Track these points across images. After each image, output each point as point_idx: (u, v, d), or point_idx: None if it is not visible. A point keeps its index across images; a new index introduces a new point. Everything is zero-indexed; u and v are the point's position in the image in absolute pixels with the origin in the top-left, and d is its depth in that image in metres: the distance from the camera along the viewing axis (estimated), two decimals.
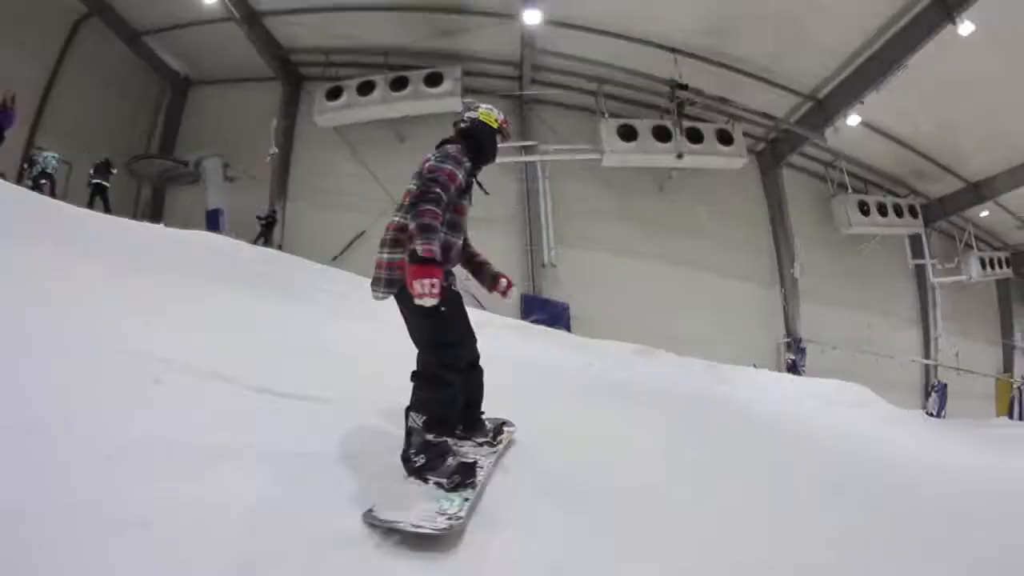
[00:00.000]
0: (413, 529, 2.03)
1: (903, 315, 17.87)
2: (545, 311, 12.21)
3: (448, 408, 2.62)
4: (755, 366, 11.98)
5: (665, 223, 14.28)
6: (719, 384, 9.72)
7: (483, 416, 3.11)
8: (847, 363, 15.34)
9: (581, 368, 8.28)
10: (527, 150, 13.54)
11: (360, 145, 15.07)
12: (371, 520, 2.05)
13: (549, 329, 10.12)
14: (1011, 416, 21.76)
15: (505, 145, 3.15)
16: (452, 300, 2.62)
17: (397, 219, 2.63)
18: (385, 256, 2.62)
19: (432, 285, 2.31)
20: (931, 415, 16.81)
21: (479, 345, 2.93)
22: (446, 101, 13.27)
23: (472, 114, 2.94)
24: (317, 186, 15.39)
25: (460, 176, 2.63)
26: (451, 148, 2.74)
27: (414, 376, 2.60)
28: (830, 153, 15.49)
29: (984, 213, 18.05)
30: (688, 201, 14.38)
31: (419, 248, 2.33)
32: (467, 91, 13.39)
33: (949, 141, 15.06)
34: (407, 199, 2.58)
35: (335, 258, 13.55)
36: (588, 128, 13.52)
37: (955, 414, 18.08)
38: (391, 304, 2.66)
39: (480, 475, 2.55)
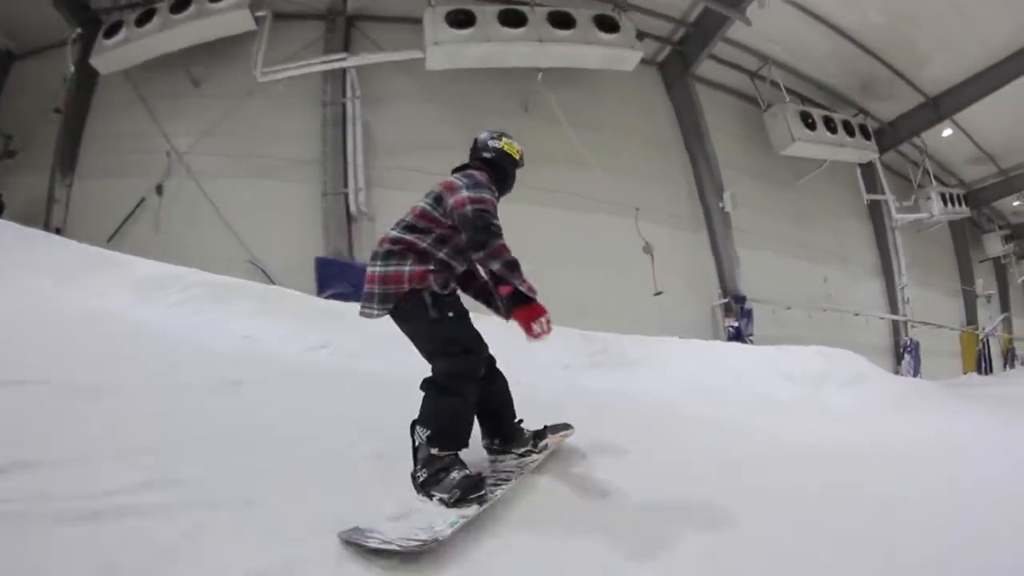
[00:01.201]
0: (379, 546, 1.98)
1: (862, 263, 14.84)
2: (349, 280, 8.12)
3: (455, 421, 2.48)
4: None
5: (537, 153, 10.29)
6: (619, 368, 6.20)
7: (521, 423, 3.02)
8: (803, 326, 12.17)
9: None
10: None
11: (152, 97, 11.11)
12: (346, 537, 2.02)
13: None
14: (979, 371, 19.51)
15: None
16: (459, 306, 2.64)
17: (395, 233, 2.64)
18: (378, 269, 2.59)
19: (548, 322, 2.44)
20: None
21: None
22: (232, 17, 9.40)
23: (496, 144, 2.96)
24: (109, 152, 11.32)
25: (498, 204, 2.66)
26: (479, 176, 2.72)
27: (425, 384, 2.52)
28: (757, 57, 12.08)
29: (947, 132, 15.10)
30: (568, 123, 10.40)
31: (523, 288, 2.39)
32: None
33: (905, 38, 12.00)
34: (409, 214, 2.68)
35: (110, 238, 9.77)
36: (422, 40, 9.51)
37: (925, 375, 15.53)
38: None
39: (489, 489, 2.42)
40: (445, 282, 2.60)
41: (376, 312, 2.54)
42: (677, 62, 11.60)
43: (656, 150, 11.46)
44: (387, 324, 2.65)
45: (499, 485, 2.53)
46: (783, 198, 13.29)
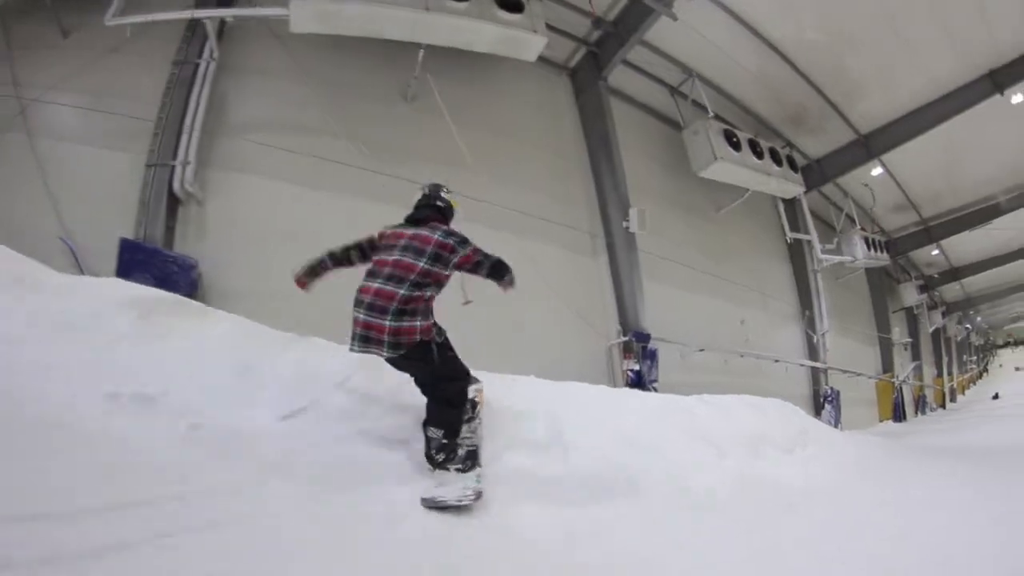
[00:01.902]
0: (456, 503, 3.02)
1: (781, 306, 13.82)
2: (152, 271, 6.06)
3: (459, 421, 3.38)
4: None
5: (414, 149, 8.45)
6: None
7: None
8: (717, 372, 10.78)
9: None
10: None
11: (18, 46, 8.78)
12: (429, 504, 3.00)
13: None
14: (896, 418, 19.01)
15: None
16: (450, 344, 3.35)
17: (403, 292, 3.08)
18: (390, 323, 3.03)
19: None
20: None
21: None
22: None
23: (447, 197, 3.66)
24: None
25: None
26: (449, 227, 3.50)
27: (439, 401, 3.31)
28: (679, 69, 10.77)
29: (876, 171, 14.34)
30: (452, 116, 8.58)
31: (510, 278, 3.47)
32: None
33: (840, 63, 11.23)
34: (409, 272, 3.14)
35: None
36: None
37: (844, 424, 14.59)
38: None
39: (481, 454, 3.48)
40: (440, 328, 3.31)
41: (385, 355, 3.10)
42: (591, 66, 10.07)
43: (555, 160, 9.77)
44: None
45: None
46: (700, 228, 12.00)
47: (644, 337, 9.34)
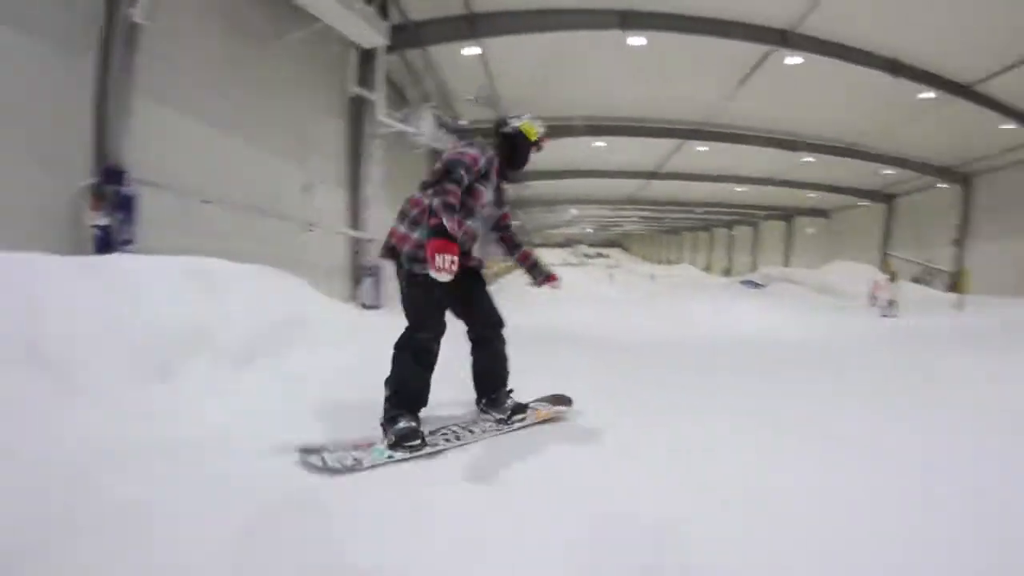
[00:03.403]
0: (317, 464, 2.73)
1: (327, 166, 12.69)
2: None
3: (405, 385, 3.06)
4: None
5: None
6: None
7: (510, 393, 3.57)
8: (232, 236, 9.14)
9: None
10: None
11: None
12: (302, 457, 2.80)
13: None
14: None
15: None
16: (434, 284, 2.81)
17: (427, 201, 2.97)
18: (403, 229, 3.15)
19: (452, 262, 2.70)
20: (368, 307, 12.85)
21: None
22: None
23: (516, 122, 3.46)
24: None
25: (482, 161, 3.13)
26: (481, 140, 3.33)
27: (394, 347, 3.13)
28: None
29: (474, 51, 14.45)
30: None
31: (444, 224, 2.75)
32: None
33: None
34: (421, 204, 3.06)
35: None
36: None
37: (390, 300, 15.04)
38: None
39: (425, 442, 2.99)
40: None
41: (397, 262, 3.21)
42: None
43: None
44: None
45: (449, 441, 3.15)
46: (249, 54, 9.78)
47: (116, 177, 6.90)
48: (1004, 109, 16.94)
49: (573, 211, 43.77)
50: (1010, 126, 17.85)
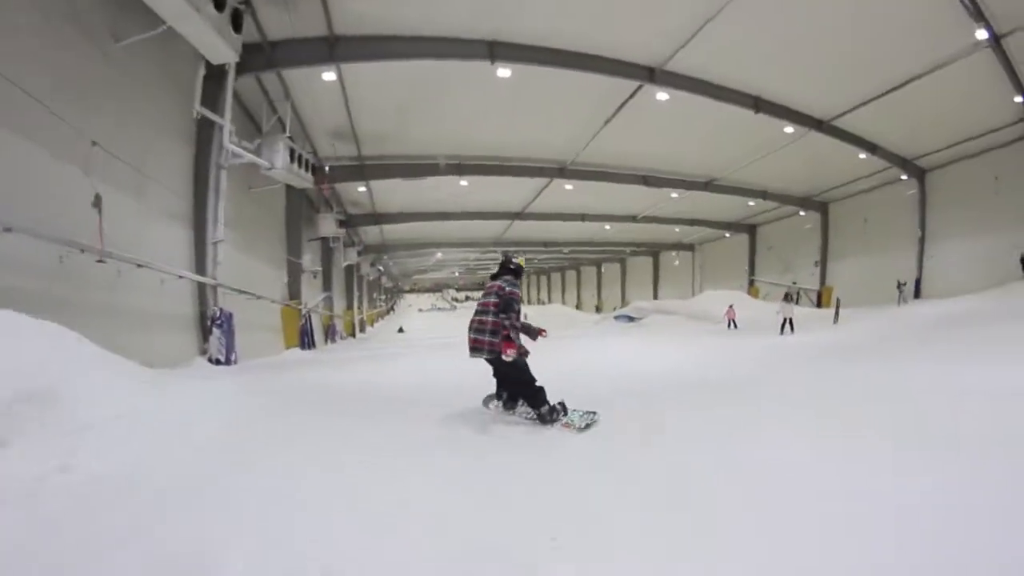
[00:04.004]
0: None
1: (168, 199, 11.02)
2: None
3: (542, 401, 5.14)
4: None
5: None
6: None
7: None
8: (47, 275, 7.47)
9: None
10: None
11: None
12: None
13: None
14: (303, 346, 19.19)
15: None
16: (524, 356, 5.21)
17: (491, 319, 5.12)
18: (487, 338, 5.08)
19: (517, 351, 5.04)
20: (220, 362, 11.13)
21: None
22: None
23: (516, 260, 5.57)
24: None
25: (519, 294, 5.31)
26: (513, 279, 5.37)
27: (521, 394, 5.31)
28: None
29: (329, 76, 13.41)
30: None
31: (513, 336, 5.03)
32: None
33: None
34: (491, 307, 5.16)
35: None
36: None
37: (243, 351, 13.35)
38: None
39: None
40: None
41: (486, 356, 5.18)
42: None
43: None
44: None
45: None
46: (83, 59, 8.32)
47: None
48: (858, 141, 19.19)
49: (439, 255, 43.12)
50: (864, 156, 20.19)
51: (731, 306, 21.63)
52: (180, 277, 10.52)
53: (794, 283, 29.79)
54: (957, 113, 17.36)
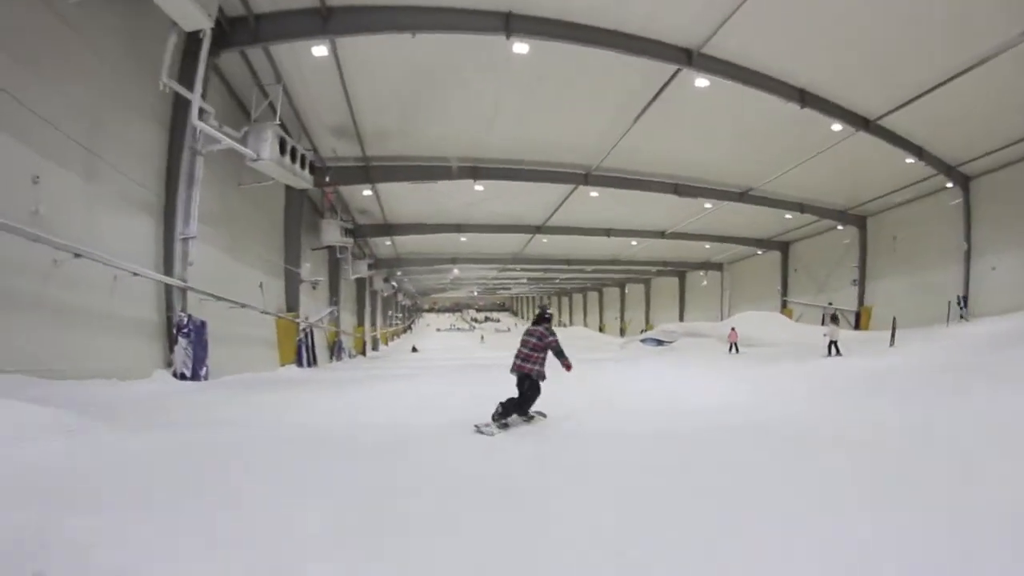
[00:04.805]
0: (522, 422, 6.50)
1: (123, 182, 9.63)
2: None
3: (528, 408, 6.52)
4: None
5: None
6: None
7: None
8: None
9: None
10: None
11: None
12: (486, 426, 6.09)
13: None
14: (299, 363, 17.81)
15: None
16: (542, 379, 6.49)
17: (527, 352, 6.43)
18: (519, 363, 6.44)
19: (541, 375, 6.43)
20: (185, 376, 9.83)
21: None
22: None
23: (549, 312, 7.26)
24: None
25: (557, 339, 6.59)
26: (550, 327, 6.65)
27: (522, 402, 6.42)
28: None
29: (320, 52, 12.01)
30: None
31: (570, 362, 6.48)
32: None
33: None
34: (531, 343, 6.44)
35: None
36: None
37: (230, 365, 12.05)
38: None
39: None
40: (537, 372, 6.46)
41: (521, 373, 6.42)
42: None
43: None
44: None
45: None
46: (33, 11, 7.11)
47: None
48: (904, 143, 17.39)
49: (455, 271, 41.70)
50: (911, 160, 18.33)
51: (733, 329, 21.42)
52: (135, 275, 9.09)
53: (830, 304, 27.76)
54: (1005, 113, 15.58)
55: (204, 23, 9.15)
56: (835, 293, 28.22)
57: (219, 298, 11.52)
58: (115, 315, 9.06)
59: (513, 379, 6.53)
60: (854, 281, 26.86)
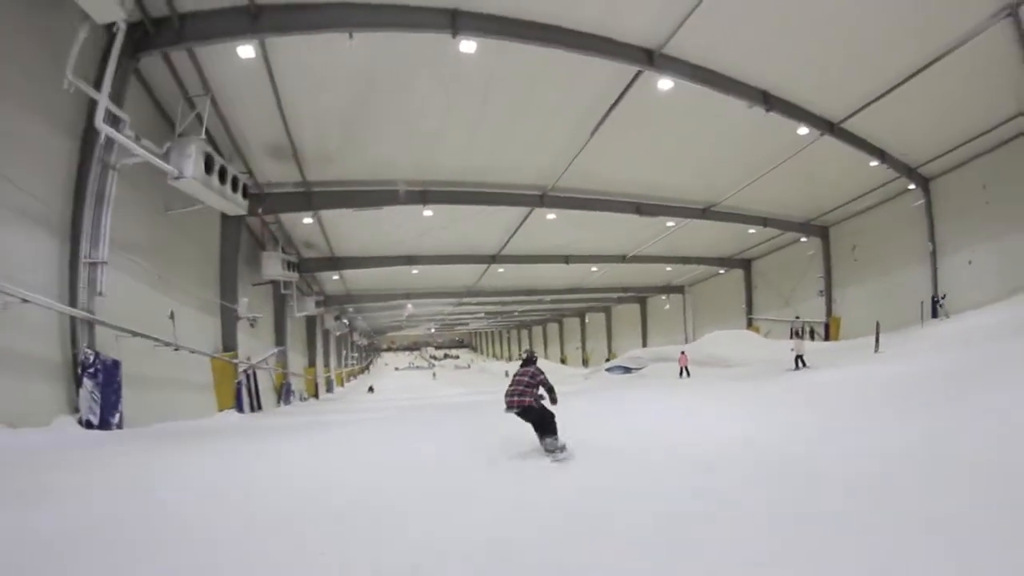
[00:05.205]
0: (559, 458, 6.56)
1: (15, 195, 8.37)
2: None
3: (554, 428, 6.77)
4: None
5: None
6: None
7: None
8: None
9: None
10: None
11: None
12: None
13: None
14: (241, 408, 16.33)
15: None
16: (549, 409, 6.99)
17: (522, 389, 6.83)
18: (516, 399, 6.75)
19: (545, 408, 6.93)
20: (92, 425, 8.36)
21: None
22: None
23: (535, 355, 7.67)
24: None
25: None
26: (538, 367, 7.13)
27: (545, 425, 6.79)
28: None
29: (247, 54, 11.02)
30: None
31: (557, 398, 7.11)
32: None
33: None
34: (525, 381, 6.88)
35: None
36: None
37: (156, 414, 10.71)
38: None
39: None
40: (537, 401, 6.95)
41: (515, 411, 6.80)
42: None
43: None
44: None
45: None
46: None
47: None
48: (867, 146, 17.46)
49: (409, 306, 40.42)
50: (875, 163, 18.47)
51: (683, 353, 22.41)
52: (25, 301, 7.74)
53: (797, 317, 27.84)
54: (960, 110, 16.00)
55: (117, 14, 8.19)
56: (801, 305, 28.27)
57: (135, 333, 10.16)
58: (4, 350, 7.69)
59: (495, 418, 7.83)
60: (820, 292, 26.88)
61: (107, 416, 8.83)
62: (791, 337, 17.42)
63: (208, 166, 11.21)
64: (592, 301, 44.94)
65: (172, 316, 11.22)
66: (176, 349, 10.96)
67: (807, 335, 25.88)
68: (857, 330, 22.79)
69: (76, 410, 8.80)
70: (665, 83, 12.73)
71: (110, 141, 9.25)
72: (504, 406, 6.79)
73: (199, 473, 5.94)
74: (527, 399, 6.71)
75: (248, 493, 5.14)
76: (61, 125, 9.06)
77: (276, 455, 7.31)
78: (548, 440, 6.64)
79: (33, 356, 8.37)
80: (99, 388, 8.82)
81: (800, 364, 15.39)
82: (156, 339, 11.06)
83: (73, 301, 8.91)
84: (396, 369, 70.15)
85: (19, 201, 8.24)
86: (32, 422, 7.99)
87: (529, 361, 7.36)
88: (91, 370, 8.78)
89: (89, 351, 8.87)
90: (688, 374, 20.91)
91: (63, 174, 9.20)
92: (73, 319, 8.88)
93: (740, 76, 13.34)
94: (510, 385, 6.95)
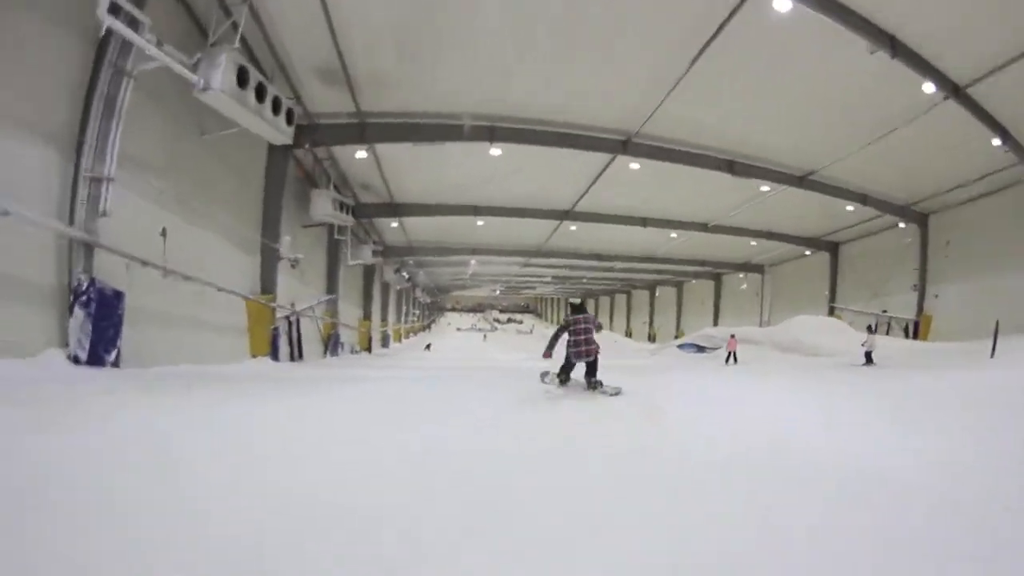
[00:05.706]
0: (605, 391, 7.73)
1: (24, 106, 7.39)
2: None
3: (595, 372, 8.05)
4: None
5: None
6: None
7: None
8: None
9: None
10: None
11: None
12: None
13: None
14: (276, 356, 15.56)
15: None
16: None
17: (591, 336, 7.75)
18: (593, 347, 7.75)
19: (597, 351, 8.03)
20: (79, 361, 7.40)
21: None
22: None
23: (579, 302, 8.99)
24: None
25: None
26: (589, 313, 8.11)
27: (595, 369, 7.80)
28: None
29: None
30: None
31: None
32: None
33: None
34: (589, 331, 7.76)
35: None
36: None
37: (172, 355, 9.78)
38: None
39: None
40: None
41: (590, 359, 7.85)
42: None
43: None
44: None
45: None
46: None
47: None
48: (990, 121, 14.71)
49: (473, 263, 39.23)
50: (997, 143, 15.50)
51: (733, 336, 21.05)
52: (6, 214, 6.70)
53: (884, 311, 25.13)
54: None
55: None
56: (891, 299, 25.38)
57: (145, 262, 9.14)
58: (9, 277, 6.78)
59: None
60: (914, 286, 23.96)
61: (100, 352, 7.86)
62: (868, 331, 16.06)
63: (242, 80, 9.97)
64: (665, 273, 42.50)
65: (164, 233, 10.09)
66: (165, 275, 9.81)
67: (880, 330, 23.21)
68: (950, 332, 20.33)
69: (65, 344, 7.90)
70: (783, 2, 10.49)
71: (127, 45, 8.10)
72: (575, 356, 7.67)
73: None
74: (595, 347, 7.69)
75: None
76: (59, 19, 7.91)
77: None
78: (595, 380, 7.71)
79: (23, 279, 7.43)
80: (91, 319, 7.83)
81: (868, 360, 14.76)
82: (163, 268, 9.97)
83: (72, 221, 7.91)
84: (458, 330, 70.11)
85: (25, 108, 7.26)
86: (16, 352, 7.10)
87: (580, 308, 8.05)
88: (83, 298, 7.79)
89: (84, 276, 7.88)
90: (736, 360, 19.52)
91: (74, 81, 8.14)
92: (71, 241, 7.90)
93: (867, 11, 10.96)
94: (576, 335, 7.67)
